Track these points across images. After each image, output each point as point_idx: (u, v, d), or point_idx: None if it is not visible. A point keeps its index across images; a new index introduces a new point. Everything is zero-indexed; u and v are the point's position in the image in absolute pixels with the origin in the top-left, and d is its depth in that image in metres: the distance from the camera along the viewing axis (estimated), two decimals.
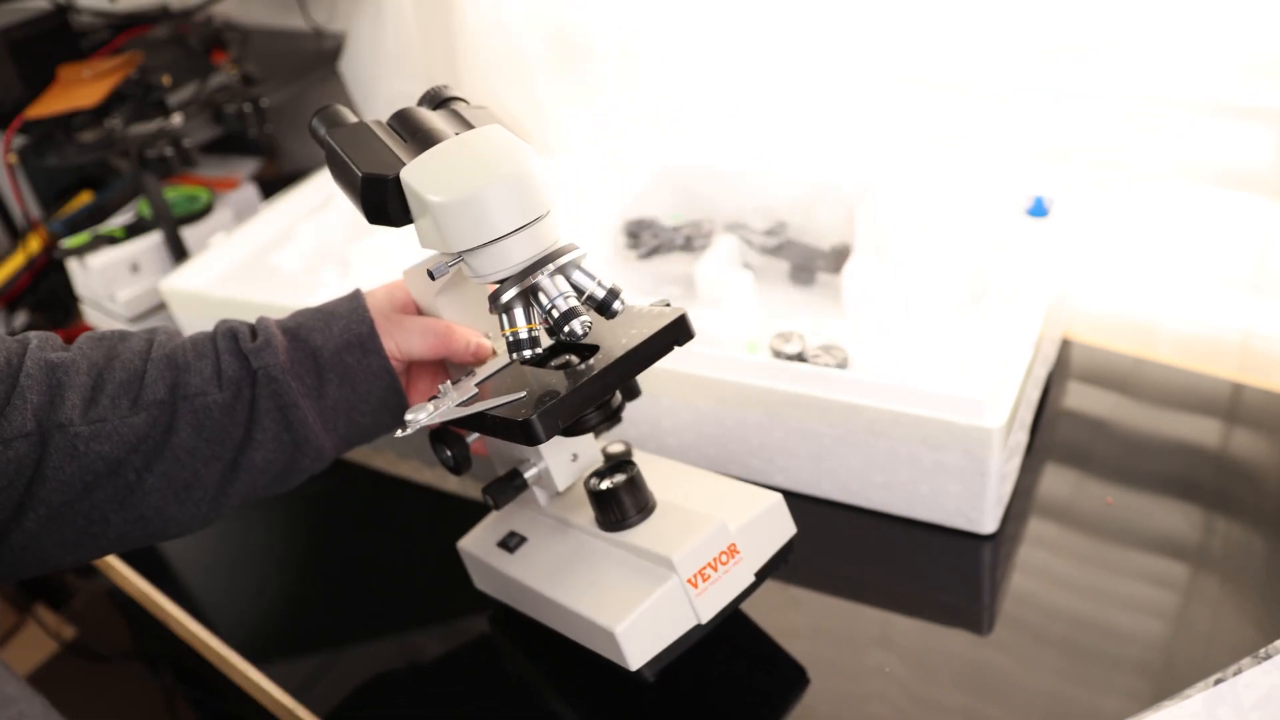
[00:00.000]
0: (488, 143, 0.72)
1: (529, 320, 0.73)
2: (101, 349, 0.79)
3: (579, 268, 0.74)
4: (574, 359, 0.79)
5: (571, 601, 0.80)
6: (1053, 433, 1.08)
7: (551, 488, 0.87)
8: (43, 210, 1.71)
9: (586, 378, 0.74)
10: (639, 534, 0.81)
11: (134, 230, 1.50)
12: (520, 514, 0.90)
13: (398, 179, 0.72)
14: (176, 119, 1.49)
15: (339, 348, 0.81)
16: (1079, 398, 1.13)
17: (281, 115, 1.61)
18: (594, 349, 0.77)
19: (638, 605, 0.77)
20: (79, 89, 1.54)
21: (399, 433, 0.76)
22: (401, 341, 0.83)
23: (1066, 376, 1.15)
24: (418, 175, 0.71)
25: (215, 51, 1.67)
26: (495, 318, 0.74)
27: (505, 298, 0.72)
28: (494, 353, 0.84)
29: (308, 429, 0.80)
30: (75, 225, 1.62)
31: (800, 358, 1.04)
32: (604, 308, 0.75)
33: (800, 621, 0.91)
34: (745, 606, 0.91)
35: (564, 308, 0.72)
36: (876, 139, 1.38)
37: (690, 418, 1.03)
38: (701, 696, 0.85)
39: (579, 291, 0.74)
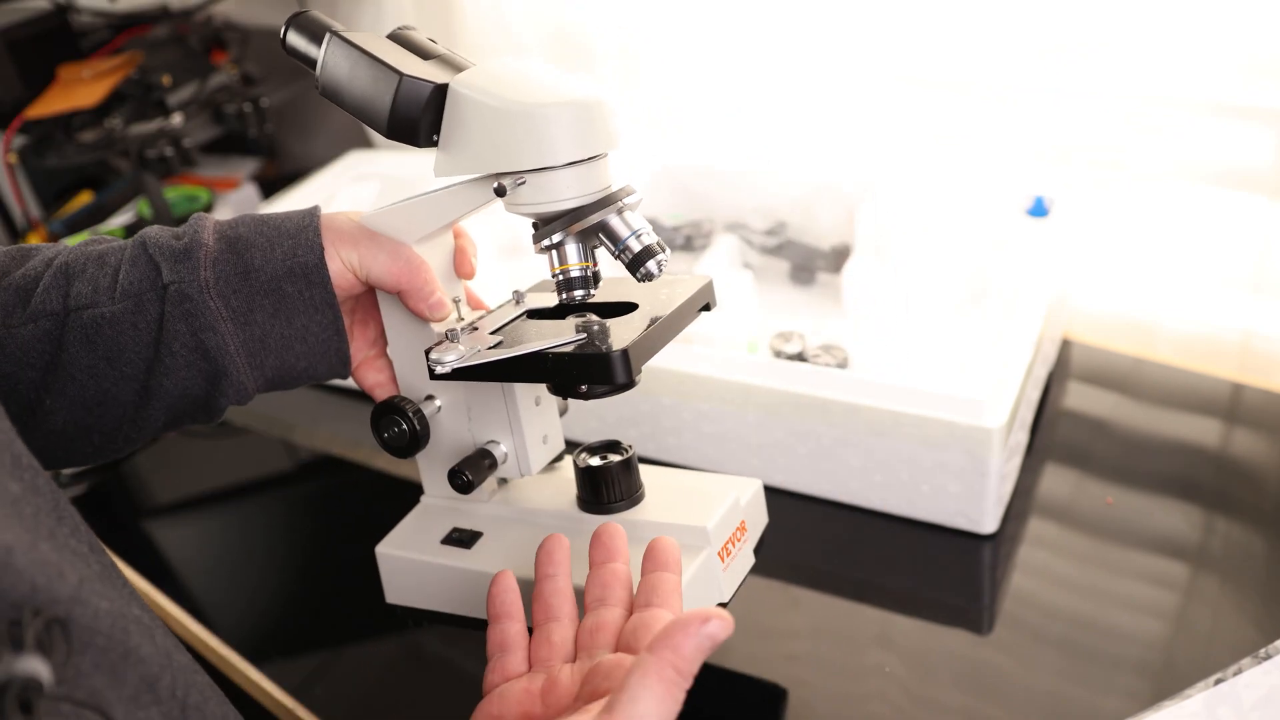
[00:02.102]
0: (545, 68, 0.67)
1: (583, 258, 0.69)
2: (17, 256, 0.72)
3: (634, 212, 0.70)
4: (593, 317, 0.73)
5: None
6: (1053, 433, 1.07)
7: (525, 469, 0.79)
8: (43, 210, 1.71)
9: (663, 318, 0.69)
10: (646, 510, 0.77)
11: (134, 230, 1.50)
12: (452, 510, 0.83)
13: (442, 88, 0.67)
14: (176, 119, 1.49)
15: (278, 274, 0.71)
16: (1079, 398, 1.13)
17: (281, 115, 1.61)
18: (619, 308, 0.73)
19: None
20: (79, 89, 1.54)
21: (432, 376, 0.70)
22: (366, 258, 0.72)
23: (1066, 376, 1.15)
24: (492, 83, 0.65)
25: (215, 51, 1.67)
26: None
27: (580, 227, 0.67)
28: (460, 319, 0.78)
29: (227, 358, 0.70)
30: (75, 225, 1.62)
31: (800, 358, 1.04)
32: (634, 265, 0.69)
33: (800, 621, 0.91)
34: (742, 607, 0.91)
35: (646, 242, 0.67)
36: (876, 139, 1.38)
37: (690, 417, 1.03)
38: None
39: (619, 241, 0.69)
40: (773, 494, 1.02)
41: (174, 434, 1.28)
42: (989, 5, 1.23)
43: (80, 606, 0.49)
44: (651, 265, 0.68)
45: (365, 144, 1.71)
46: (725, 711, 0.84)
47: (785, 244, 1.26)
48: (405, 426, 0.76)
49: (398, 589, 0.82)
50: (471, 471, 0.76)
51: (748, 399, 0.99)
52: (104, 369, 0.69)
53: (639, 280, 0.69)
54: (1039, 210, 1.15)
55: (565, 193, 0.67)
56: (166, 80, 1.53)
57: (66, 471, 1.23)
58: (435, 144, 0.69)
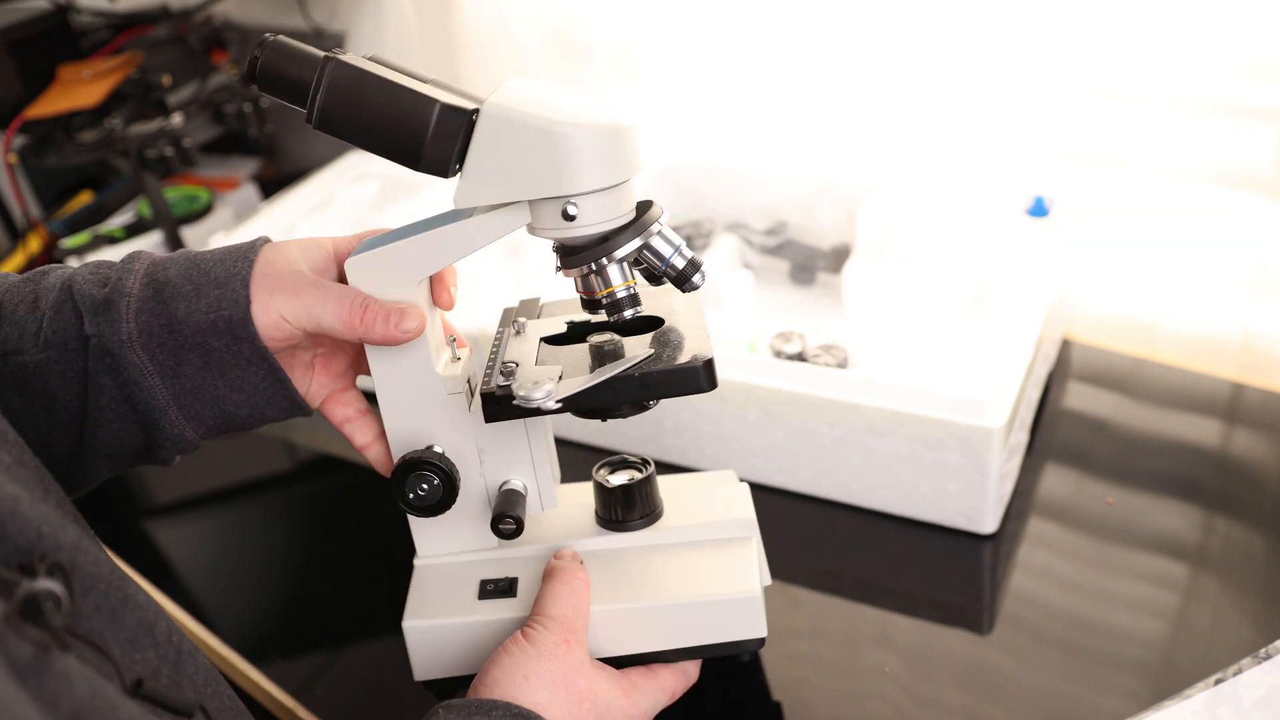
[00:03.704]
0: (562, 91, 0.66)
1: (626, 278, 0.68)
2: None
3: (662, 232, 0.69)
4: (610, 337, 0.72)
5: (666, 597, 0.73)
6: (1053, 433, 1.07)
7: (549, 503, 0.77)
8: (43, 210, 1.71)
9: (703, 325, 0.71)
10: (675, 519, 0.77)
11: (134, 230, 1.50)
12: (462, 566, 0.77)
13: (474, 112, 0.63)
14: (176, 119, 1.49)
15: (202, 327, 0.66)
16: (1079, 398, 1.13)
17: (281, 115, 1.61)
18: (640, 325, 0.73)
19: (749, 567, 0.73)
20: (79, 89, 1.54)
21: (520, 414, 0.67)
22: (312, 306, 0.67)
23: (1066, 376, 1.15)
24: (529, 107, 0.62)
25: (215, 51, 1.67)
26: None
27: (622, 252, 0.67)
28: (457, 357, 0.76)
29: (158, 412, 0.67)
30: (75, 225, 1.62)
31: (800, 358, 1.04)
32: (681, 280, 0.70)
33: (800, 621, 0.91)
34: None
35: (688, 255, 0.68)
36: (876, 139, 1.38)
37: (691, 418, 1.03)
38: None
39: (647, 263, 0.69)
40: (773, 494, 1.03)
41: None
42: (989, 5, 1.23)
43: (82, 555, 0.52)
44: (697, 279, 0.69)
45: None
46: (725, 711, 0.84)
47: (785, 244, 1.26)
48: (440, 481, 0.71)
49: (431, 663, 0.76)
50: (516, 514, 0.72)
51: (748, 399, 0.99)
52: (39, 414, 0.67)
53: (684, 292, 0.70)
54: (1039, 210, 1.15)
55: (611, 214, 0.66)
56: (166, 80, 1.53)
57: None
58: (455, 173, 0.65)
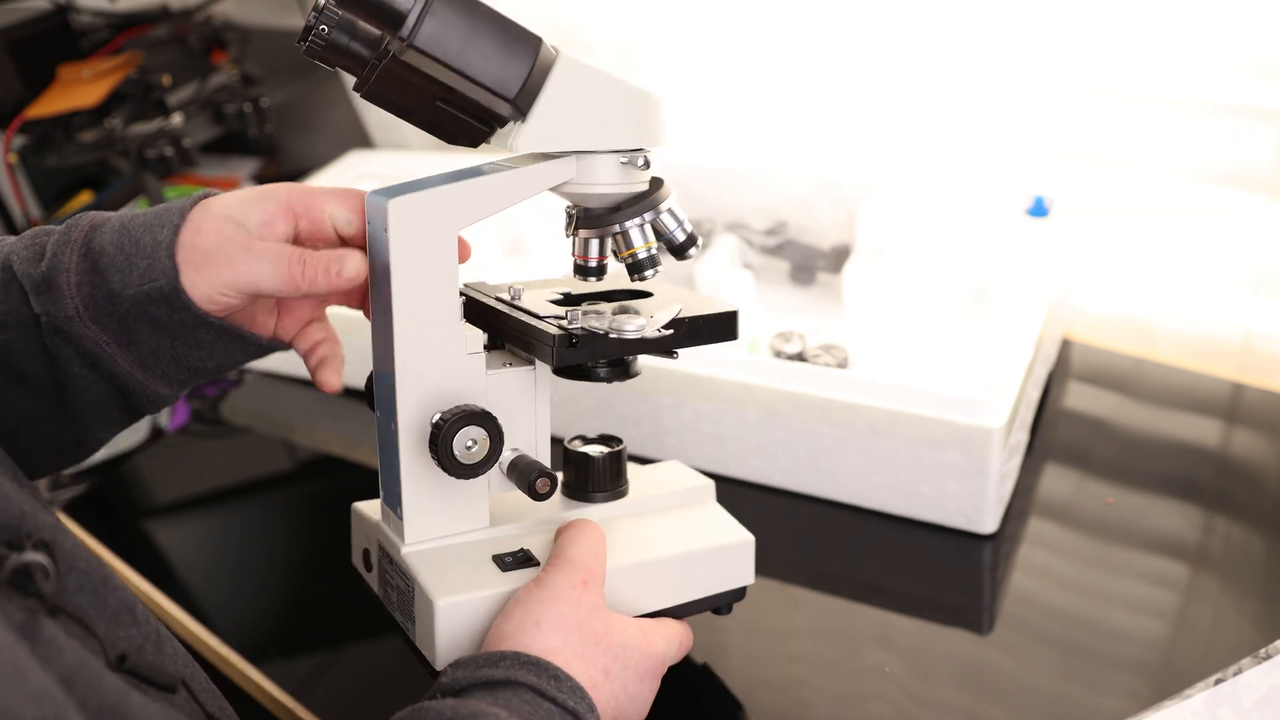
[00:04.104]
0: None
1: (646, 239, 0.70)
2: None
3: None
4: (598, 307, 0.73)
5: (676, 549, 0.75)
6: (1053, 433, 1.07)
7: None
8: (43, 210, 1.71)
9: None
10: (643, 485, 0.80)
11: None
12: (460, 548, 0.73)
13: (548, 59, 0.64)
14: (176, 119, 1.49)
15: (139, 299, 0.64)
16: (1079, 398, 1.13)
17: (281, 115, 1.61)
18: (628, 295, 0.75)
19: (728, 518, 0.79)
20: (79, 89, 1.54)
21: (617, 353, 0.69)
22: (245, 273, 0.64)
23: (1066, 376, 1.15)
24: (594, 62, 0.65)
25: (215, 51, 1.67)
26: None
27: (650, 213, 0.69)
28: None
29: (125, 377, 0.66)
30: None
31: (800, 358, 1.04)
32: (681, 249, 0.73)
33: (800, 621, 0.91)
34: (742, 607, 0.91)
35: (689, 229, 0.71)
36: (876, 139, 1.38)
37: (690, 417, 1.03)
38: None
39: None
40: (773, 494, 1.03)
41: (174, 434, 1.28)
42: (989, 5, 1.23)
43: (63, 535, 0.53)
44: (693, 251, 0.72)
45: (365, 144, 1.71)
46: (725, 711, 0.84)
47: (785, 244, 1.26)
48: (490, 434, 0.67)
49: (459, 645, 0.69)
50: (547, 471, 0.70)
51: (748, 399, 0.99)
52: (18, 388, 0.66)
53: (679, 260, 0.73)
54: (1039, 210, 1.15)
55: (643, 176, 0.69)
56: (166, 80, 1.53)
57: (67, 471, 1.23)
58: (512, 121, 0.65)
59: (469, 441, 0.67)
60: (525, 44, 0.63)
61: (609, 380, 0.73)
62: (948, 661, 0.85)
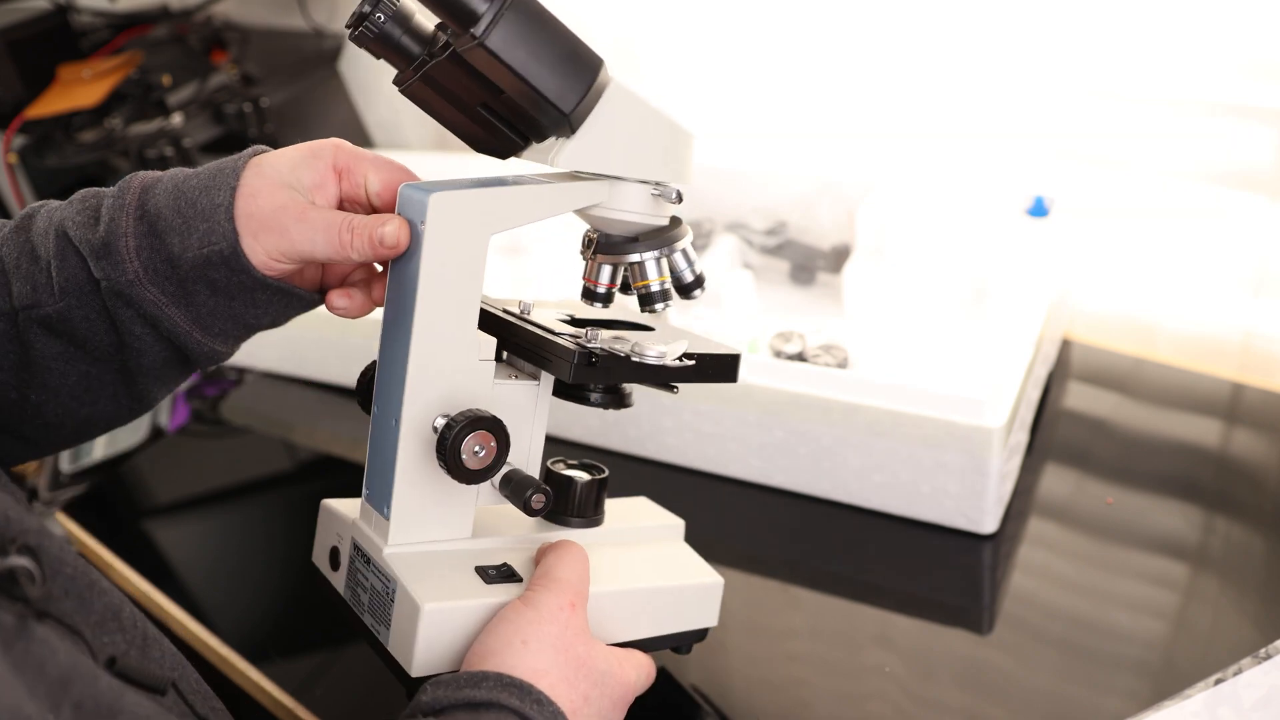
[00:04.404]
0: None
1: (661, 272, 0.72)
2: None
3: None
4: (600, 333, 0.72)
5: (650, 582, 0.76)
6: (1053, 433, 1.07)
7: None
8: None
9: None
10: (616, 517, 0.81)
11: None
12: (437, 556, 0.72)
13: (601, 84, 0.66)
14: (176, 119, 1.49)
15: (198, 262, 0.65)
16: (1079, 398, 1.13)
17: (281, 115, 1.61)
18: (629, 327, 0.76)
19: (698, 560, 0.79)
20: (79, 89, 1.54)
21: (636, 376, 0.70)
22: (300, 242, 0.64)
23: (1066, 376, 1.15)
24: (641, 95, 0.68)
25: (215, 51, 1.67)
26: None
27: (682, 244, 0.72)
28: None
29: (184, 335, 0.67)
30: None
31: (800, 358, 1.04)
32: (688, 289, 0.74)
33: (800, 621, 0.91)
34: (742, 607, 0.91)
35: (698, 270, 0.73)
36: (877, 139, 1.38)
37: (691, 418, 1.03)
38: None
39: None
40: (773, 494, 1.03)
41: (174, 434, 1.28)
42: (989, 5, 1.23)
43: (48, 539, 0.52)
44: (698, 292, 0.73)
45: (366, 144, 1.71)
46: (724, 711, 0.84)
47: (785, 244, 1.26)
48: (497, 441, 0.67)
49: (437, 654, 0.68)
50: (546, 488, 0.70)
51: (748, 399, 0.99)
52: (76, 354, 0.68)
53: (685, 299, 0.74)
54: (1039, 210, 1.15)
55: (667, 210, 0.71)
56: (166, 80, 1.53)
57: (66, 471, 1.23)
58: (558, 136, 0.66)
59: (477, 447, 0.67)
60: (588, 62, 0.65)
61: (604, 407, 0.74)
62: (948, 661, 0.85)
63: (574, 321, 0.77)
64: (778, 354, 1.05)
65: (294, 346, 1.27)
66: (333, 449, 1.23)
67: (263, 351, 1.31)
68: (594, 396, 0.73)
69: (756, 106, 1.45)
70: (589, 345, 0.68)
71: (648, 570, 0.77)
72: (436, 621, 0.67)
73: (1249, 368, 1.12)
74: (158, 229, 0.65)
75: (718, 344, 0.75)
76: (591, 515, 0.78)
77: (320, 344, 1.25)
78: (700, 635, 0.79)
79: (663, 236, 0.71)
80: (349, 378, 1.26)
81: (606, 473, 0.78)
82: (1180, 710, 0.75)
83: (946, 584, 0.92)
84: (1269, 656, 0.77)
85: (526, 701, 0.60)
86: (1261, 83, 1.12)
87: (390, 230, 0.64)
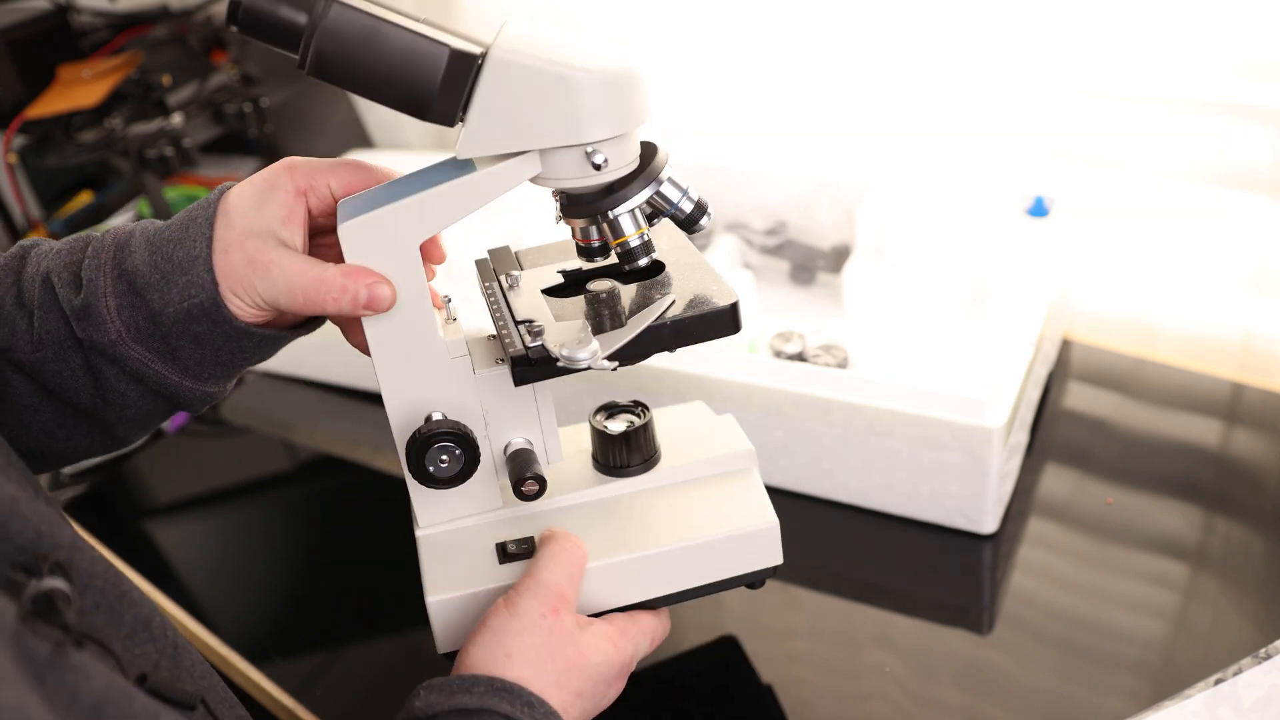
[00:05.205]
0: (563, 32, 0.63)
1: (638, 225, 0.66)
2: None
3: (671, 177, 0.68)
4: (608, 285, 0.70)
5: (688, 538, 0.72)
6: (1053, 433, 1.07)
7: (555, 457, 0.75)
8: (43, 210, 1.71)
9: (710, 269, 0.70)
10: (673, 456, 0.77)
11: None
12: (468, 532, 0.74)
13: (480, 57, 0.60)
14: (176, 119, 1.49)
15: (180, 316, 0.64)
16: (1079, 398, 1.13)
17: (281, 115, 1.61)
18: (635, 274, 0.71)
19: (760, 497, 0.74)
20: (79, 89, 1.54)
21: (584, 365, 0.64)
22: (267, 296, 0.64)
23: (1066, 376, 1.15)
24: (541, 51, 0.60)
25: (215, 51, 1.67)
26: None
27: (636, 200, 0.65)
28: (453, 318, 0.73)
29: (175, 386, 0.67)
30: (75, 225, 1.62)
31: (800, 358, 1.04)
32: (689, 223, 0.69)
33: (800, 621, 0.91)
34: (742, 607, 0.91)
35: (695, 198, 0.67)
36: (876, 139, 1.38)
37: None
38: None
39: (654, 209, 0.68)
40: (773, 494, 1.02)
41: (174, 434, 1.28)
42: (989, 5, 1.23)
43: (79, 553, 0.52)
44: (704, 221, 0.68)
45: (365, 144, 1.71)
46: (725, 711, 0.84)
47: (785, 244, 1.26)
48: (463, 450, 0.68)
49: (457, 634, 0.72)
50: (539, 475, 0.70)
51: (748, 399, 0.99)
52: (48, 402, 0.68)
53: (690, 233, 0.70)
54: (1039, 210, 1.15)
55: (622, 161, 0.64)
56: (166, 80, 1.53)
57: (66, 471, 1.23)
58: (458, 122, 0.62)
59: (442, 459, 0.68)
60: (429, 61, 0.60)
61: (611, 368, 0.70)
62: (948, 661, 0.85)
63: (571, 278, 0.74)
64: (778, 354, 1.05)
65: (294, 347, 1.26)
66: (333, 449, 1.23)
67: None
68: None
69: (757, 106, 1.45)
70: (529, 346, 0.66)
71: (697, 521, 0.73)
72: (444, 611, 0.71)
73: (1249, 368, 1.12)
74: (136, 286, 0.65)
75: (723, 290, 0.69)
76: (638, 462, 0.76)
77: (320, 344, 1.24)
78: (773, 571, 0.75)
79: (628, 187, 0.65)
80: (349, 378, 1.27)
81: (646, 418, 0.76)
82: (1180, 710, 0.75)
83: (946, 584, 0.92)
84: (1269, 656, 0.77)
85: (517, 705, 0.61)
86: (1261, 82, 1.12)
87: (382, 302, 0.64)
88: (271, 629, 1.01)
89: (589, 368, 0.65)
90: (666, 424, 0.80)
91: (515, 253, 0.79)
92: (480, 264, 0.78)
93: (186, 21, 1.72)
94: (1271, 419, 1.06)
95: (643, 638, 0.71)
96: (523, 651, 0.64)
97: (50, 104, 1.52)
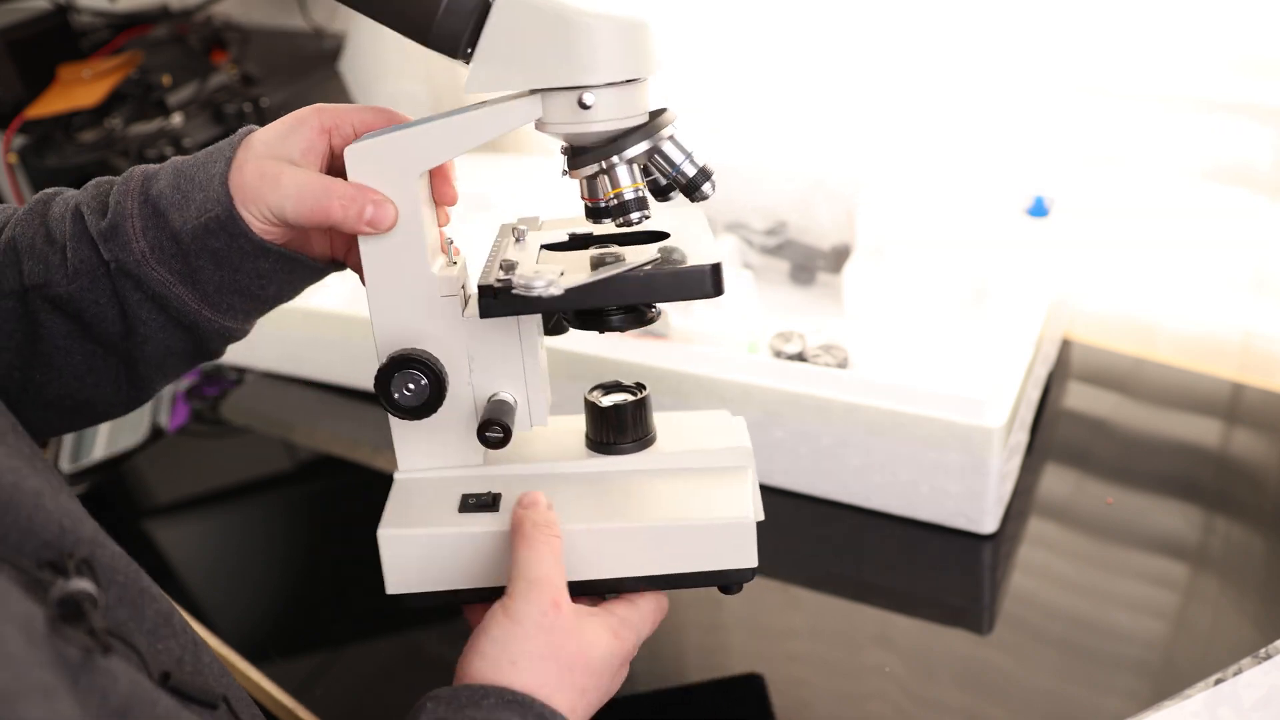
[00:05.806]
0: None
1: (635, 180, 0.66)
2: None
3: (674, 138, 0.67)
4: (611, 249, 0.70)
5: (653, 518, 0.70)
6: (1053, 433, 1.07)
7: (539, 420, 0.74)
8: None
9: (710, 238, 0.69)
10: (669, 443, 0.75)
11: None
12: (444, 481, 0.74)
13: None
14: (176, 119, 1.49)
15: (199, 232, 0.67)
16: (1079, 398, 1.13)
17: (281, 115, 1.61)
18: (639, 237, 0.71)
19: (742, 493, 0.71)
20: (79, 89, 1.54)
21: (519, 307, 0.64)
22: (274, 205, 0.66)
23: (1066, 376, 1.15)
24: None
25: (215, 51, 1.67)
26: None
27: (633, 151, 0.65)
28: (453, 261, 0.73)
29: (194, 314, 0.69)
30: None
31: (800, 358, 1.04)
32: (691, 188, 0.68)
33: (800, 621, 0.91)
34: (742, 607, 0.91)
35: (699, 164, 0.67)
36: (876, 139, 1.38)
37: None
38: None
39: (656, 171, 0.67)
40: (773, 494, 1.03)
41: (174, 434, 1.28)
42: (988, 5, 1.23)
43: (100, 549, 0.53)
44: (707, 187, 0.68)
45: None
46: (725, 711, 0.84)
47: (785, 244, 1.26)
48: (428, 380, 0.68)
49: (406, 575, 0.72)
50: (505, 423, 0.69)
51: (748, 399, 0.99)
52: (83, 335, 0.70)
53: (693, 201, 0.69)
54: (1039, 210, 1.15)
55: (624, 112, 0.64)
56: (166, 80, 1.53)
57: (66, 471, 1.23)
58: (469, 57, 0.63)
59: (408, 386, 0.69)
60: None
61: (622, 329, 0.71)
62: (948, 661, 0.85)
63: (575, 240, 0.74)
64: (778, 354, 1.05)
65: (294, 346, 1.27)
66: (333, 449, 1.23)
67: (263, 351, 1.31)
68: (614, 319, 0.70)
69: (756, 105, 1.45)
70: (499, 279, 0.66)
71: (664, 504, 0.72)
72: (394, 548, 0.70)
73: (1249, 368, 1.12)
74: (159, 208, 0.68)
75: (709, 247, 0.68)
76: (633, 440, 0.75)
77: (320, 344, 1.25)
78: (746, 575, 0.72)
79: (621, 140, 0.65)
80: (349, 378, 1.27)
81: (642, 394, 0.75)
82: (1180, 710, 0.75)
83: (946, 584, 0.92)
84: (1269, 656, 0.77)
85: (529, 716, 0.61)
86: (1261, 81, 1.12)
87: (385, 220, 0.67)
88: (271, 629, 1.01)
89: (539, 300, 0.64)
90: (678, 420, 0.80)
91: (541, 220, 0.80)
92: (503, 226, 0.79)
93: (186, 21, 1.72)
94: (1271, 419, 1.06)
95: (643, 624, 0.71)
96: (526, 657, 0.64)
97: (50, 104, 1.52)
